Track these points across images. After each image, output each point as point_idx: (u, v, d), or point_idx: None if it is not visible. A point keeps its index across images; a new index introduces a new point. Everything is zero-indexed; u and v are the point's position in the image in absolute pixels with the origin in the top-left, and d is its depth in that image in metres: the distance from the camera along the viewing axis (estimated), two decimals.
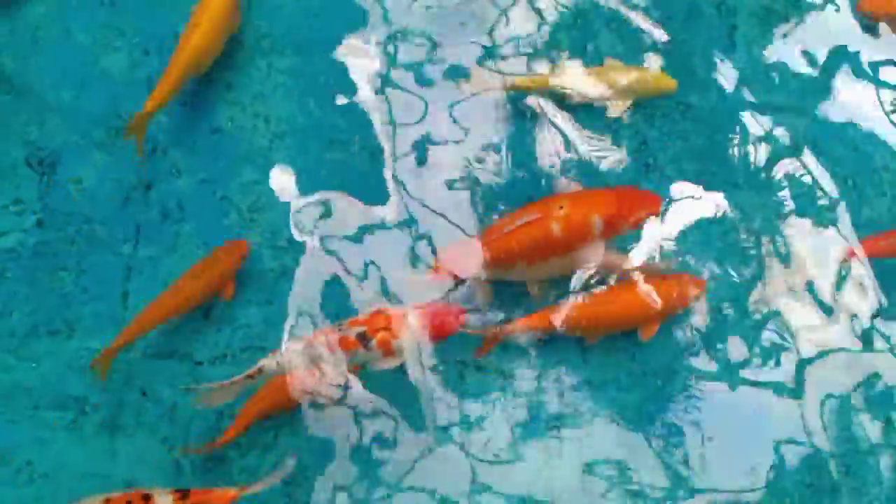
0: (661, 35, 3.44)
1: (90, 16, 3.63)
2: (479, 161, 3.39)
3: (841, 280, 3.22)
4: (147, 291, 3.26)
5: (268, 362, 2.91)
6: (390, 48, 3.54)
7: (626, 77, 3.28)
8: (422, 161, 3.40)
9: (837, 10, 3.45)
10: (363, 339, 2.89)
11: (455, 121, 3.44)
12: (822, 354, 3.17)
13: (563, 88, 3.31)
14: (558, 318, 3.03)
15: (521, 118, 3.43)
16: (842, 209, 3.30)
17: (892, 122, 3.40)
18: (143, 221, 3.36)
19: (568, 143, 3.38)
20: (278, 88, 3.52)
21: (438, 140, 3.42)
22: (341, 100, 3.48)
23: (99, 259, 3.32)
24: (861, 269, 3.19)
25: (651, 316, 3.05)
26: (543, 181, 3.33)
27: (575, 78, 3.31)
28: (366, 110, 3.47)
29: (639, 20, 3.48)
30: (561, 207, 2.97)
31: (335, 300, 3.23)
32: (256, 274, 3.30)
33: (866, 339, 3.17)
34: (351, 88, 3.49)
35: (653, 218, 3.10)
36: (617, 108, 3.30)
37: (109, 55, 3.59)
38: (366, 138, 3.44)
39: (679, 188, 3.31)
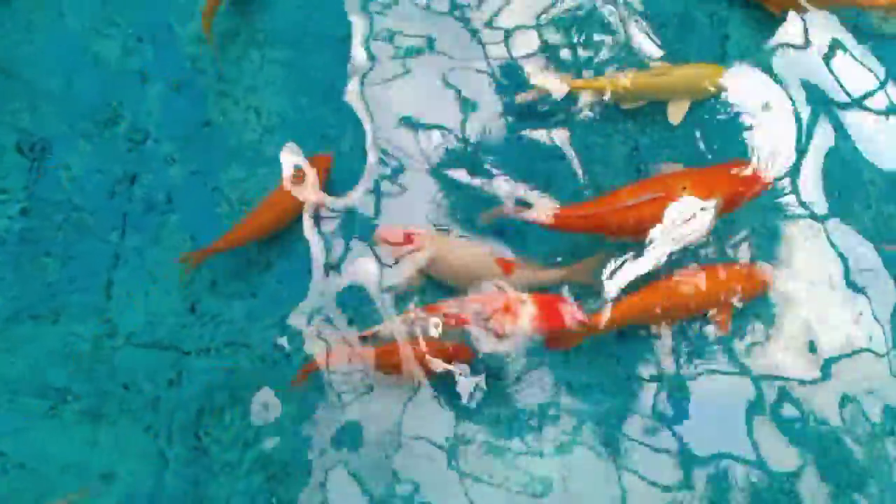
0: (654, 49, 3.45)
1: (84, 3, 3.61)
2: (473, 160, 3.38)
3: (827, 291, 3.24)
4: (133, 281, 3.26)
5: (383, 327, 3.04)
6: (386, 44, 3.53)
7: (684, 75, 3.29)
8: (415, 158, 3.39)
9: (830, 23, 3.48)
10: (479, 318, 2.93)
11: (450, 119, 3.43)
12: (804, 364, 3.18)
13: (624, 90, 3.30)
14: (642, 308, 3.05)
15: (515, 118, 3.43)
16: (828, 222, 3.32)
17: (881, 137, 3.42)
18: (130, 211, 3.35)
19: (564, 146, 3.39)
20: (271, 82, 3.51)
21: (433, 138, 3.41)
22: (334, 95, 3.47)
23: (85, 247, 3.31)
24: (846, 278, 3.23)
25: (723, 305, 3.08)
26: (538, 183, 3.33)
27: (635, 79, 3.30)
28: (359, 106, 3.46)
29: (634, 29, 3.50)
30: (684, 188, 2.99)
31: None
32: (241, 267, 3.29)
33: (849, 350, 3.19)
34: (344, 84, 3.48)
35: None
36: (677, 113, 3.30)
37: (102, 43, 3.57)
38: (358, 135, 3.43)
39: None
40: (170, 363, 3.19)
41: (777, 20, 3.49)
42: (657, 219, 3.00)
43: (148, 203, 3.36)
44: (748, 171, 3.08)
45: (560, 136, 3.38)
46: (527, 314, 2.98)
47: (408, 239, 3.19)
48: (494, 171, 3.35)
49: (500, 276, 3.12)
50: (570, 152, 3.36)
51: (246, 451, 3.10)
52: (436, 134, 3.42)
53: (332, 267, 3.27)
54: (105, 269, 3.28)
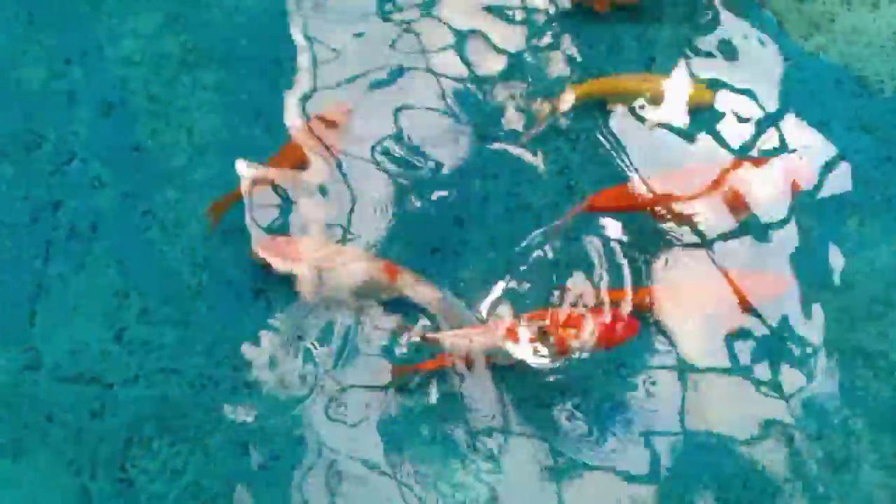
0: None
1: (8, 23, 3.57)
2: (408, 179, 3.38)
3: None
4: (57, 311, 3.17)
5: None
6: (318, 65, 3.54)
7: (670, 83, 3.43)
8: (348, 177, 3.38)
9: (751, 44, 3.57)
10: (542, 335, 2.94)
11: (384, 138, 3.43)
12: (728, 373, 3.17)
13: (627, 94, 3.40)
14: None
15: (450, 138, 3.45)
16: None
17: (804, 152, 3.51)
18: (54, 238, 3.27)
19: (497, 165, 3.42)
20: (203, 104, 3.49)
21: (367, 157, 3.40)
22: (267, 115, 3.47)
23: (6, 277, 3.22)
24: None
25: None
26: (474, 202, 3.36)
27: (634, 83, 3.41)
28: (292, 127, 3.44)
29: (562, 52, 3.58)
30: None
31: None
32: (173, 292, 3.23)
33: (770, 360, 3.18)
34: (278, 105, 3.47)
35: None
36: (655, 117, 3.42)
37: (28, 65, 3.52)
38: None
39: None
40: (95, 395, 3.09)
41: (701, 45, 3.58)
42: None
43: (73, 229, 3.29)
44: (796, 169, 3.23)
45: (493, 155, 3.41)
46: (587, 332, 2.97)
47: (287, 250, 3.16)
48: (430, 191, 3.36)
49: (387, 282, 3.12)
50: (503, 171, 3.39)
51: (174, 482, 3.00)
52: (370, 153, 3.41)
53: (262, 290, 3.22)
54: (27, 300, 3.19)
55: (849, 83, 3.46)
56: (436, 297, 3.14)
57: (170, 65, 3.53)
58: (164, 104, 3.47)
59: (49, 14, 3.58)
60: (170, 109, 3.46)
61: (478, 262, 3.25)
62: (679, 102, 3.41)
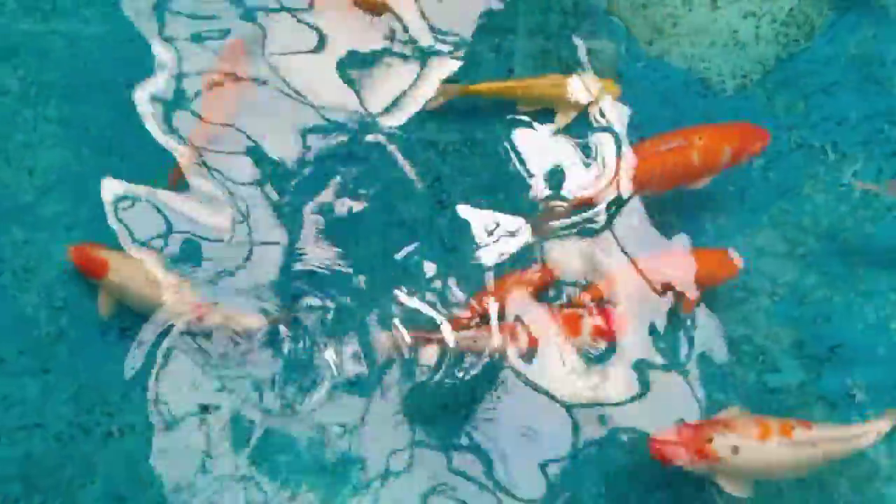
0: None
1: None
2: (273, 200, 3.31)
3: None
4: None
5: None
6: (170, 92, 3.41)
7: (578, 84, 3.48)
8: (213, 202, 3.28)
9: (605, 50, 3.67)
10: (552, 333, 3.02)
11: (245, 163, 3.34)
12: (598, 367, 3.23)
13: (522, 94, 3.45)
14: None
15: (315, 157, 3.38)
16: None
17: None
18: None
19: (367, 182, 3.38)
20: (47, 138, 3.31)
21: (232, 184, 3.31)
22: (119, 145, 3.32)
23: None
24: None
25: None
26: (347, 220, 3.32)
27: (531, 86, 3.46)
28: (147, 154, 3.31)
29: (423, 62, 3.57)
30: (700, 138, 3.25)
31: None
32: (31, 340, 3.06)
33: (641, 353, 3.26)
34: (133, 132, 3.32)
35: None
36: (563, 120, 3.46)
37: None
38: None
39: (472, 219, 3.36)
40: None
41: (559, 55, 3.65)
42: (679, 168, 3.25)
43: None
44: (754, 132, 3.34)
45: (362, 173, 3.37)
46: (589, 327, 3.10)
47: (93, 261, 3.05)
48: (299, 213, 3.29)
49: (187, 308, 3.06)
50: (374, 188, 3.36)
51: None
52: (236, 175, 3.32)
53: (128, 328, 3.09)
54: None
55: (695, 84, 3.61)
56: (258, 324, 3.09)
57: (7, 100, 3.34)
58: (4, 141, 3.29)
59: None
60: (10, 146, 3.28)
61: (352, 279, 3.22)
62: (584, 102, 3.48)
